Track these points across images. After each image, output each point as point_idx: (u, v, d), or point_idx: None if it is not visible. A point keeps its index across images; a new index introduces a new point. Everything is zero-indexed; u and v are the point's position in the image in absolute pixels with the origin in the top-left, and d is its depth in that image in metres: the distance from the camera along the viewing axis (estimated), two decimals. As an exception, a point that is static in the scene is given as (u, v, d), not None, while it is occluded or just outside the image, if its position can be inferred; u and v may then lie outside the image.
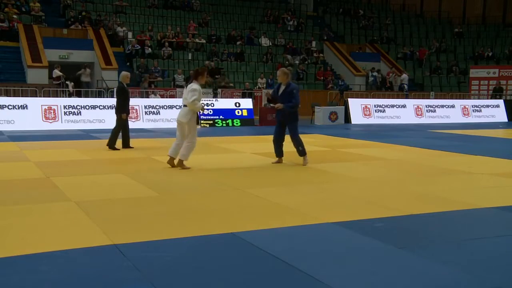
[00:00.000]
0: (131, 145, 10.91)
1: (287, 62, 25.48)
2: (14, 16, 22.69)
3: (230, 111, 18.01)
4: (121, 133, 10.79)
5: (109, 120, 15.41)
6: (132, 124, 16.60)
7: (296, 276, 3.74)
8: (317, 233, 4.80)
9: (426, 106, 21.65)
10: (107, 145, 10.74)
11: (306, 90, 24.15)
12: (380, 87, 25.77)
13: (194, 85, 7.95)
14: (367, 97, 22.28)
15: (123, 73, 10.93)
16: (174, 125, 17.03)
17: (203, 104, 8.40)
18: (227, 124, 17.62)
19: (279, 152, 8.63)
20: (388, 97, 23.53)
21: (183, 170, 8.19)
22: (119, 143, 10.86)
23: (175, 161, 8.21)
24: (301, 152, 8.56)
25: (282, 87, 8.44)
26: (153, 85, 21.04)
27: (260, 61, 25.33)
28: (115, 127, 10.81)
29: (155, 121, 17.17)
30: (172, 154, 8.24)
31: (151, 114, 17.26)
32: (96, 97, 18.14)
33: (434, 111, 21.69)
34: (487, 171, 8.43)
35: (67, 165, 8.73)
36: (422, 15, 34.67)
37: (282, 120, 8.57)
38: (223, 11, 28.94)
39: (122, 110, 10.69)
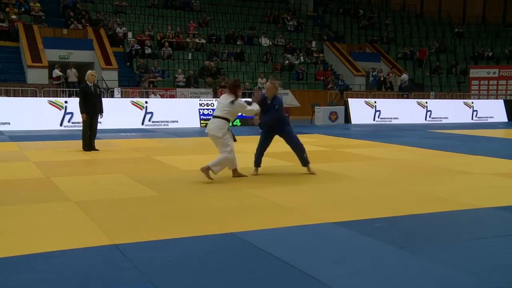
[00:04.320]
0: (96, 147, 10.59)
1: (287, 62, 25.49)
2: (13, 17, 22.66)
3: (230, 111, 17.98)
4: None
5: (108, 120, 15.42)
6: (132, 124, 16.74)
7: (296, 276, 3.74)
8: (317, 233, 4.80)
9: (426, 106, 21.65)
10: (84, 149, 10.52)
11: (306, 90, 24.16)
12: (380, 87, 25.77)
13: (238, 100, 7.34)
14: (367, 97, 22.29)
15: (88, 72, 10.64)
16: (173, 125, 17.22)
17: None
18: (227, 124, 17.60)
19: (259, 161, 8.06)
20: (388, 97, 23.54)
21: (184, 170, 8.18)
22: (98, 143, 10.82)
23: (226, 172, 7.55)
24: (306, 160, 8.02)
25: (268, 100, 7.84)
26: (153, 85, 21.04)
27: (260, 61, 25.33)
28: (83, 128, 10.66)
29: (155, 121, 17.17)
30: (233, 167, 7.61)
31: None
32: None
33: (434, 111, 21.69)
34: (487, 171, 8.42)
35: (67, 165, 8.73)
36: (422, 15, 34.65)
37: (270, 130, 7.99)
38: (223, 11, 28.93)
39: (81, 110, 10.48)
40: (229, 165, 7.49)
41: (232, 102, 7.28)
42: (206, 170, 7.17)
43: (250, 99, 8.08)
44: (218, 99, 7.82)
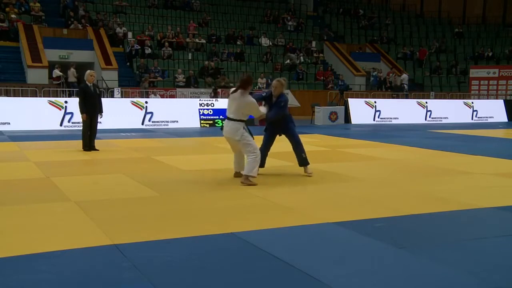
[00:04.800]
0: (96, 147, 10.59)
1: (288, 61, 25.47)
2: (13, 16, 22.66)
3: (230, 111, 17.99)
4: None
5: (108, 120, 15.42)
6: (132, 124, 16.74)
7: (296, 276, 3.74)
8: (317, 233, 4.80)
9: (425, 106, 21.65)
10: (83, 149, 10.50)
11: (306, 90, 24.16)
12: (380, 87, 25.77)
13: (248, 98, 7.13)
14: (367, 97, 22.30)
15: (87, 72, 10.64)
16: (173, 125, 17.22)
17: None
18: (227, 124, 17.60)
19: (263, 162, 7.88)
20: (388, 97, 23.53)
21: (184, 170, 8.19)
22: (98, 143, 10.84)
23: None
24: (305, 160, 7.96)
25: (274, 98, 7.82)
26: (153, 85, 21.04)
27: (260, 61, 25.32)
28: (82, 128, 10.66)
29: (155, 121, 17.18)
30: (238, 170, 7.51)
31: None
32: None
33: (434, 111, 21.69)
34: (487, 171, 8.42)
35: (67, 165, 8.73)
36: (422, 15, 34.65)
37: (276, 130, 7.95)
38: (223, 11, 28.93)
39: (81, 110, 10.50)
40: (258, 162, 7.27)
41: (243, 96, 7.06)
42: (246, 180, 7.02)
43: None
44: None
